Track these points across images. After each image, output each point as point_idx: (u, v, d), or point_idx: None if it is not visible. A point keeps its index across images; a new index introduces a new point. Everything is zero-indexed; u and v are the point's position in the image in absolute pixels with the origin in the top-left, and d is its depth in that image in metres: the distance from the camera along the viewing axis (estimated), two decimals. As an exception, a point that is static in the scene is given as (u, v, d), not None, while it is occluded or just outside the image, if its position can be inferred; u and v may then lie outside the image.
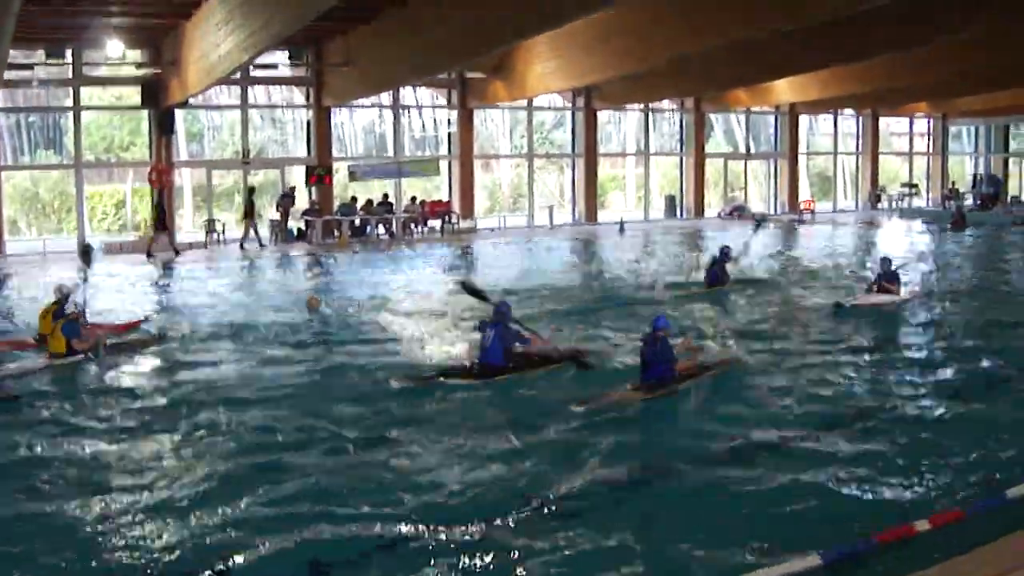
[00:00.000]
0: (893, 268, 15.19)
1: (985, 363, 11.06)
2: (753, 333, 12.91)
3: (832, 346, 12.01)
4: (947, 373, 10.70)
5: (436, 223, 28.29)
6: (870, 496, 6.89)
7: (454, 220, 28.46)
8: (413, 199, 28.49)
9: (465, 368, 10.36)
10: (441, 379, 10.04)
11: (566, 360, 10.61)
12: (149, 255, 22.96)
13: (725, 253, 16.88)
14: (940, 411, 9.10)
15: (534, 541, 6.11)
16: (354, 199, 27.64)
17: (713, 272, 16.63)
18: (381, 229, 27.55)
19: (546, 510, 6.67)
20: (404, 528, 6.34)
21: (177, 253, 23.31)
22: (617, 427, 8.49)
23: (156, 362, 11.58)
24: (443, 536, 6.22)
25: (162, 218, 23.98)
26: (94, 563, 5.98)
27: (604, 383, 9.72)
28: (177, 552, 6.07)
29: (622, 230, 28.06)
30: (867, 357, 11.57)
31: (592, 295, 16.97)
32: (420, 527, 6.34)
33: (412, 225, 27.90)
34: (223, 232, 25.90)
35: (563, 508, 6.68)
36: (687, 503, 6.86)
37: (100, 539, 6.31)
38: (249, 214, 25.20)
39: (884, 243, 25.45)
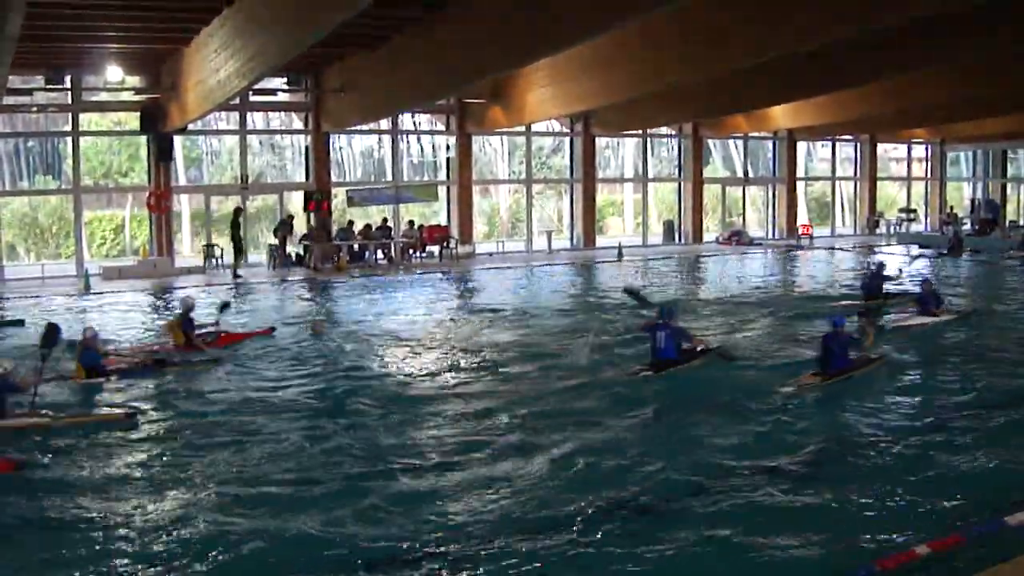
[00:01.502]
0: (934, 289, 15.80)
1: (995, 387, 11.02)
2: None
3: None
4: (954, 397, 10.62)
5: (434, 248, 28.31)
6: (871, 521, 6.82)
7: (452, 245, 28.46)
8: (411, 223, 28.48)
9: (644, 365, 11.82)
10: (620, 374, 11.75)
11: (712, 354, 12.32)
12: (236, 275, 23.58)
13: (881, 267, 18.40)
14: (944, 436, 9.03)
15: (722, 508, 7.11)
16: (350, 223, 27.62)
17: (870, 286, 17.61)
18: (380, 254, 27.55)
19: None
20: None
21: (236, 276, 23.86)
22: (805, 407, 10.28)
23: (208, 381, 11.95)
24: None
25: (239, 240, 24.48)
26: None
27: (789, 373, 11.46)
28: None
29: (620, 256, 28.03)
30: (886, 378, 11.61)
31: (778, 305, 18.60)
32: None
33: (411, 250, 27.88)
34: (221, 257, 25.85)
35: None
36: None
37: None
38: (329, 236, 26.26)
39: (889, 267, 25.42)
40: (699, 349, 12.23)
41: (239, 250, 24.31)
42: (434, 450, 8.81)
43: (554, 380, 11.60)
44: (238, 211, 25.08)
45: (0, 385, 9.36)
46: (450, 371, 12.45)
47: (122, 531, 6.85)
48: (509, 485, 7.72)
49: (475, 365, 12.79)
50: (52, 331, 10.61)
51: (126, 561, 6.37)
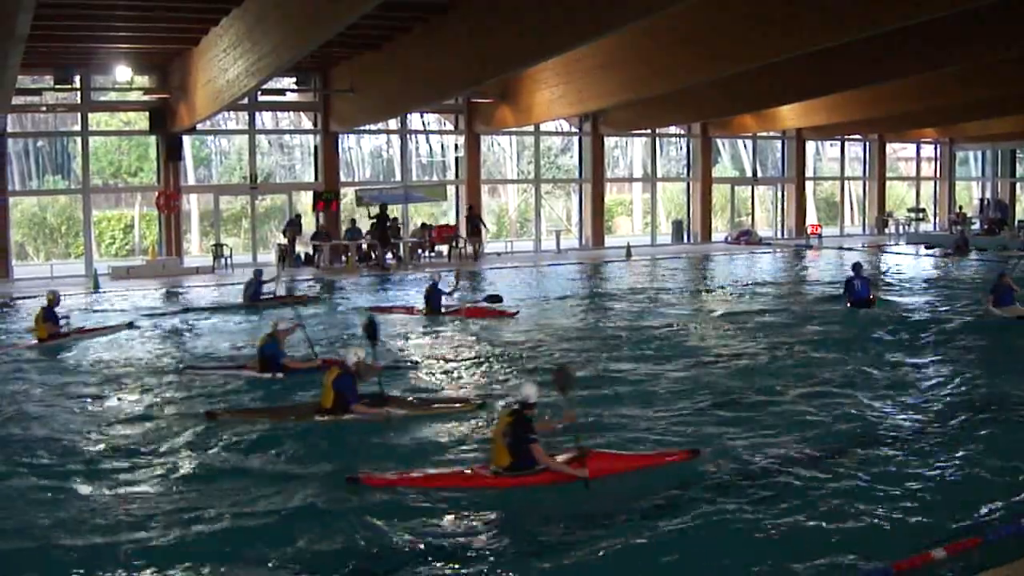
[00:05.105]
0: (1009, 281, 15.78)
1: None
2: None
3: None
4: (977, 397, 10.49)
5: (443, 248, 28.29)
6: (887, 523, 6.77)
7: (461, 245, 28.42)
8: (423, 226, 28.40)
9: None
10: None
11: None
12: (383, 267, 25.39)
13: None
14: (963, 436, 8.93)
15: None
16: (353, 221, 27.45)
17: None
18: (389, 254, 27.50)
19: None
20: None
21: (385, 270, 25.24)
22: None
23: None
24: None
25: (385, 233, 26.04)
26: None
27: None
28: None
29: (629, 255, 27.97)
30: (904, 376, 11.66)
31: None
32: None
33: (419, 250, 27.85)
34: (230, 256, 25.85)
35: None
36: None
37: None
38: (478, 230, 28.20)
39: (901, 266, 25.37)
40: (873, 296, 16.71)
41: (385, 243, 26.00)
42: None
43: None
44: (384, 207, 26.41)
45: (347, 378, 9.46)
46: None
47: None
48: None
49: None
50: (373, 324, 10.84)
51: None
